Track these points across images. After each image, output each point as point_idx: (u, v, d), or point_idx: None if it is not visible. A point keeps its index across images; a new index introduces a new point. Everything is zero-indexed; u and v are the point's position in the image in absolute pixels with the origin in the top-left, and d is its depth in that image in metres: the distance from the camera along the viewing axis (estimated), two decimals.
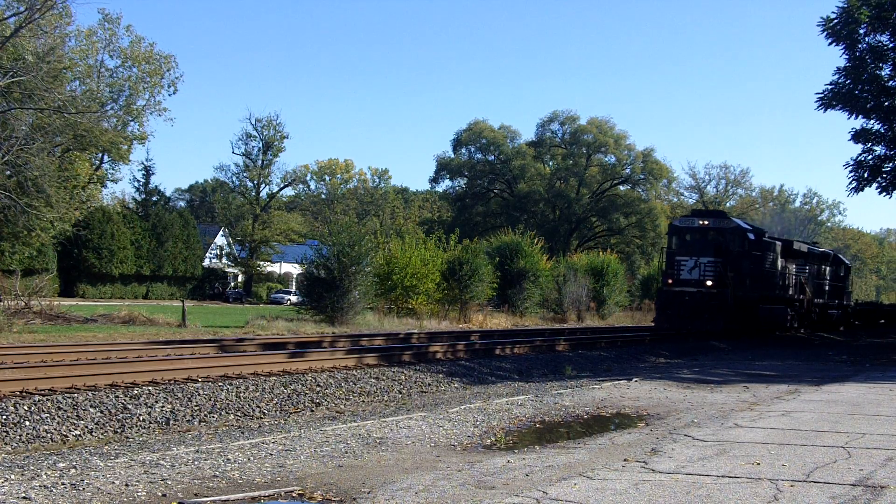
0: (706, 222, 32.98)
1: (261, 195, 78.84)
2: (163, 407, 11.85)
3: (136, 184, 71.56)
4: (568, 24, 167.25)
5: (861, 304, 66.45)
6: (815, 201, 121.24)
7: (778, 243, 38.13)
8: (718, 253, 32.22)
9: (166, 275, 66.44)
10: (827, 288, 47.43)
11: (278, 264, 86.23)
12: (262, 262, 79.36)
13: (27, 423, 10.40)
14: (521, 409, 13.05)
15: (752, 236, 33.90)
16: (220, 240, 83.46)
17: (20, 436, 10.13)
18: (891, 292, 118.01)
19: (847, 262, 55.63)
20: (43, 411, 10.73)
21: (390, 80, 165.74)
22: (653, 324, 35.45)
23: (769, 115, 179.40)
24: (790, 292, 39.53)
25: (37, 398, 11.11)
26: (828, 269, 47.62)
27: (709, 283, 31.89)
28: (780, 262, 37.82)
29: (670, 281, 32.72)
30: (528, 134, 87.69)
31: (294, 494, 7.37)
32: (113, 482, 7.52)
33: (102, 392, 11.86)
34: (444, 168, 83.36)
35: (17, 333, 24.28)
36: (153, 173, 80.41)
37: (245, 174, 77.43)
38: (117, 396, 11.73)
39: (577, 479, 8.03)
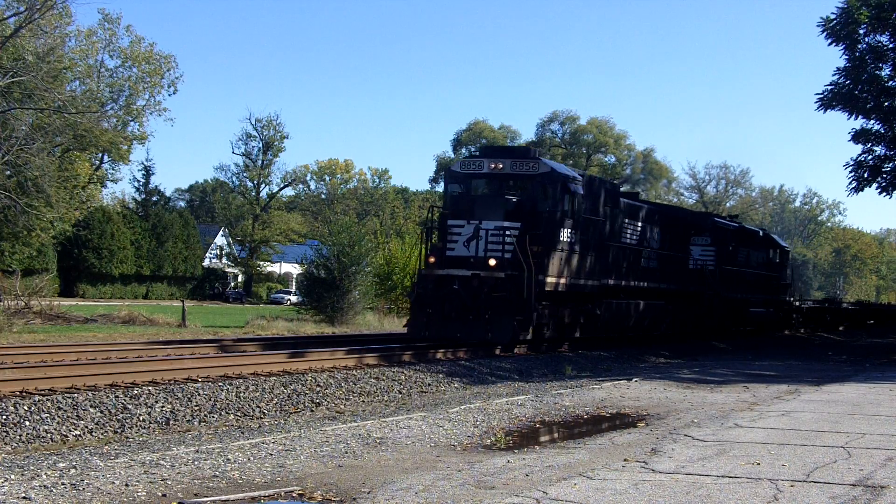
0: (499, 165, 21.71)
1: (261, 195, 78.84)
2: (163, 407, 11.84)
3: (136, 184, 71.64)
4: (568, 24, 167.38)
5: (816, 301, 57.99)
6: (815, 201, 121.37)
7: (642, 207, 27.66)
8: (516, 214, 20.84)
9: (166, 275, 66.45)
10: (749, 278, 37.37)
11: (278, 264, 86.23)
12: (262, 262, 79.35)
13: (27, 423, 10.39)
14: (521, 409, 13.05)
15: (578, 188, 22.37)
16: (220, 240, 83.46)
17: (20, 436, 10.12)
18: (891, 292, 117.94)
19: (784, 244, 44.70)
20: (43, 411, 10.72)
21: (390, 80, 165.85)
22: (406, 329, 22.91)
23: (769, 115, 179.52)
24: (667, 282, 28.62)
25: (37, 398, 11.11)
26: (751, 253, 38.10)
27: (493, 262, 20.27)
28: (647, 234, 27.31)
29: (432, 259, 21.20)
30: (528, 134, 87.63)
31: (294, 494, 7.37)
32: (113, 482, 7.52)
33: (102, 392, 11.85)
34: (444, 168, 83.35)
35: (17, 333, 24.29)
36: (153, 173, 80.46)
37: (245, 174, 77.47)
38: (117, 396, 11.72)
39: (577, 479, 8.03)
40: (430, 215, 23.06)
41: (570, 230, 22.23)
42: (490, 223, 20.73)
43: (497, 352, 21.46)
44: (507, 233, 20.64)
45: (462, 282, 20.50)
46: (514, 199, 21.12)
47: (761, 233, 41.28)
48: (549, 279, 21.33)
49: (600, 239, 23.93)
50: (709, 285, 32.26)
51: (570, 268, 22.39)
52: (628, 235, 26.10)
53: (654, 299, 28.04)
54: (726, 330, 35.22)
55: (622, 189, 29.32)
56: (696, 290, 31.35)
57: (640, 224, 26.87)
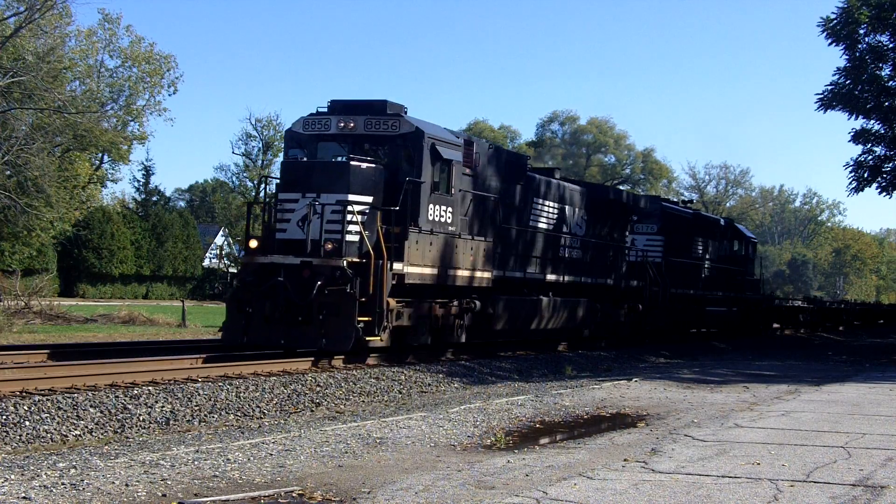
0: (350, 124, 17.50)
1: (261, 195, 78.78)
2: (163, 407, 11.84)
3: (136, 184, 71.60)
4: (568, 24, 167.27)
5: (789, 299, 53.06)
6: (815, 201, 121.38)
7: (561, 185, 23.21)
8: (367, 185, 16.69)
9: (166, 275, 66.42)
10: (707, 273, 33.65)
11: None
12: None
13: (27, 423, 10.39)
14: (521, 409, 13.05)
15: (455, 155, 18.16)
16: (219, 240, 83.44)
17: (20, 436, 10.12)
18: (891, 293, 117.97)
19: (750, 235, 40.65)
20: (43, 411, 10.72)
21: (390, 79, 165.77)
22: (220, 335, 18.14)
23: (769, 115, 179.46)
24: (595, 275, 24.61)
25: (37, 398, 11.11)
26: (710, 244, 34.25)
27: (329, 246, 16.13)
28: (568, 218, 23.32)
29: (254, 244, 16.81)
30: (528, 134, 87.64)
31: (294, 494, 7.37)
32: (113, 482, 7.52)
33: (102, 392, 11.85)
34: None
35: (17, 333, 24.30)
36: (153, 173, 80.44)
37: (245, 174, 77.43)
38: (117, 396, 11.72)
39: (577, 479, 8.03)
40: (262, 187, 18.92)
41: (443, 207, 17.84)
42: (330, 196, 16.21)
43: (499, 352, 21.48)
44: (353, 209, 16.18)
45: (289, 272, 16.04)
46: (365, 166, 16.65)
47: (723, 221, 37.28)
48: (409, 269, 16.86)
49: (496, 220, 19.69)
50: (653, 280, 27.97)
51: (444, 255, 17.84)
52: (541, 218, 22.05)
53: (577, 295, 23.80)
54: (677, 332, 30.79)
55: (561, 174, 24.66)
56: (636, 286, 27.30)
57: (557, 206, 22.86)
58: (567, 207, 23.51)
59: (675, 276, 29.92)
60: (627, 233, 27.98)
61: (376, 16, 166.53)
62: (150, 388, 12.51)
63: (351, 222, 16.24)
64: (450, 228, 18.14)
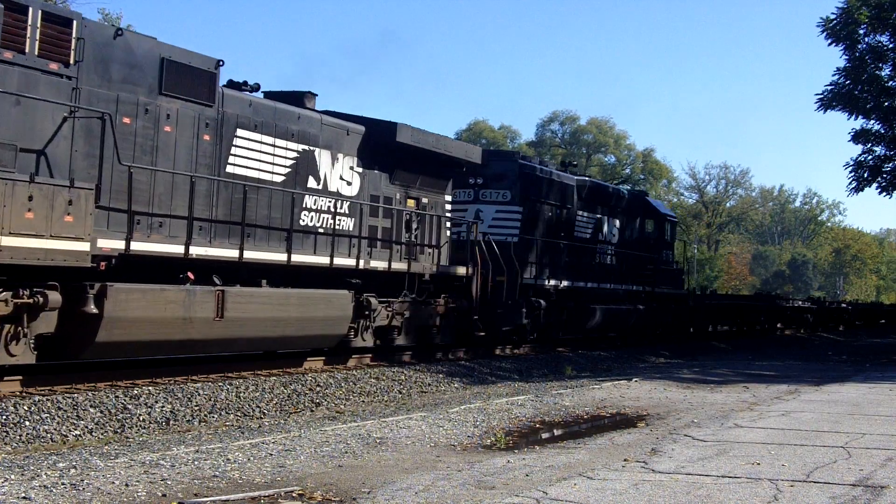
0: None
1: None
2: (163, 407, 11.84)
3: None
4: (568, 25, 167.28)
5: (720, 296, 44.70)
6: (815, 201, 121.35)
7: (309, 116, 15.79)
8: None
9: None
10: (601, 260, 26.14)
11: None
12: None
13: (27, 423, 10.39)
14: (521, 409, 13.06)
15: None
16: None
17: (20, 436, 10.12)
18: (891, 293, 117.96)
19: (667, 212, 31.90)
20: (43, 411, 10.72)
21: (390, 79, 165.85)
22: None
23: (769, 115, 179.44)
24: (377, 256, 17.05)
25: (37, 398, 11.10)
26: (607, 222, 26.64)
27: None
28: (330, 175, 16.10)
29: None
30: (528, 134, 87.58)
31: (294, 494, 7.37)
32: (113, 482, 7.52)
33: (102, 392, 11.85)
34: None
35: None
36: None
37: None
38: (117, 396, 11.72)
39: (577, 479, 8.03)
40: None
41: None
42: None
43: (497, 352, 21.48)
44: None
45: None
46: None
47: (625, 193, 28.88)
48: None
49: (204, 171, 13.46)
50: (496, 266, 20.27)
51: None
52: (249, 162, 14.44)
53: (337, 286, 15.84)
54: (545, 336, 22.98)
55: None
56: (464, 275, 19.56)
57: (293, 149, 15.31)
58: (318, 151, 15.91)
59: (546, 263, 22.86)
60: (469, 200, 21.90)
61: (376, 16, 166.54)
62: (150, 388, 12.51)
63: None
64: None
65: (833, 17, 28.65)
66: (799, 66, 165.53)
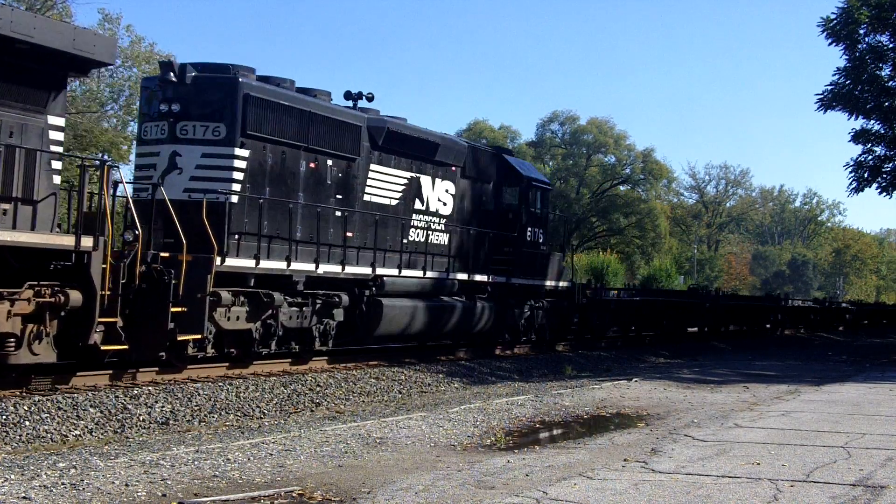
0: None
1: None
2: (163, 407, 11.85)
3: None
4: (568, 24, 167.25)
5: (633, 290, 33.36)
6: (815, 201, 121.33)
7: None
8: None
9: None
10: (438, 238, 19.44)
11: None
12: None
13: (27, 423, 10.40)
14: (521, 409, 13.06)
15: None
16: None
17: (20, 436, 10.12)
18: (891, 293, 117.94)
19: (536, 177, 23.31)
20: (43, 411, 10.72)
21: (390, 79, 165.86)
22: None
23: (769, 115, 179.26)
24: None
25: (37, 398, 11.10)
26: (439, 185, 19.56)
27: None
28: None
29: None
30: (528, 134, 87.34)
31: (294, 494, 7.37)
32: (113, 482, 7.52)
33: (102, 392, 11.85)
34: None
35: None
36: None
37: None
38: (117, 396, 11.72)
39: (577, 479, 8.03)
40: None
41: None
42: None
43: (497, 352, 21.48)
44: None
45: None
46: None
47: (465, 145, 20.84)
48: None
49: None
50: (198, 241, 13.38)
51: None
52: None
53: None
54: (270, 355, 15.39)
55: None
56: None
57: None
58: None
59: (289, 236, 15.49)
60: (161, 138, 14.80)
61: (376, 16, 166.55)
62: (150, 388, 12.51)
63: None
64: None
65: (833, 17, 28.65)
66: (799, 66, 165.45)
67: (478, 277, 20.46)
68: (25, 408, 10.67)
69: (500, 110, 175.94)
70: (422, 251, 18.99)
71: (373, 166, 17.80)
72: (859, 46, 28.88)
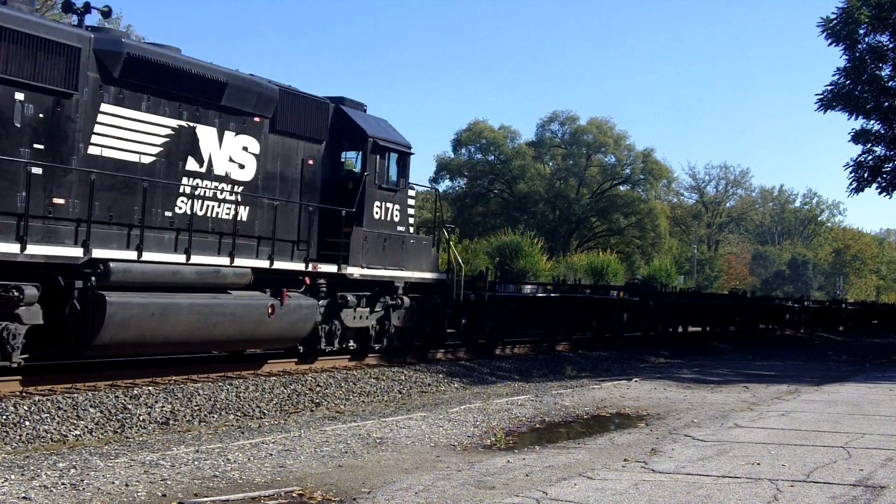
0: None
1: None
2: (163, 407, 11.84)
3: None
4: (568, 25, 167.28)
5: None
6: (815, 201, 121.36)
7: None
8: None
9: None
10: (231, 210, 14.47)
11: None
12: None
13: (27, 423, 10.40)
14: (521, 409, 13.06)
15: None
16: None
17: (20, 436, 10.12)
18: (891, 293, 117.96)
19: (388, 138, 17.69)
20: (43, 411, 10.72)
21: (390, 79, 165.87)
22: None
23: (769, 115, 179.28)
24: None
25: (37, 398, 11.11)
26: (249, 140, 14.88)
27: None
28: None
29: None
30: (528, 134, 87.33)
31: (294, 494, 7.37)
32: (113, 482, 7.52)
33: (102, 392, 11.85)
34: (444, 168, 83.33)
35: None
36: None
37: None
38: (117, 396, 11.72)
39: (577, 479, 8.03)
40: None
41: None
42: None
43: (497, 351, 21.48)
44: None
45: None
46: None
47: (275, 89, 15.47)
48: None
49: None
50: None
51: None
52: None
53: None
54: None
55: None
56: None
57: None
58: None
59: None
60: None
61: (376, 16, 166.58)
62: (150, 388, 12.51)
63: None
64: None
65: (833, 17, 28.64)
66: (799, 66, 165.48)
67: (284, 265, 15.21)
68: (25, 408, 10.67)
69: (500, 110, 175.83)
70: (204, 228, 14.12)
71: (105, 107, 12.82)
72: (859, 46, 28.88)
